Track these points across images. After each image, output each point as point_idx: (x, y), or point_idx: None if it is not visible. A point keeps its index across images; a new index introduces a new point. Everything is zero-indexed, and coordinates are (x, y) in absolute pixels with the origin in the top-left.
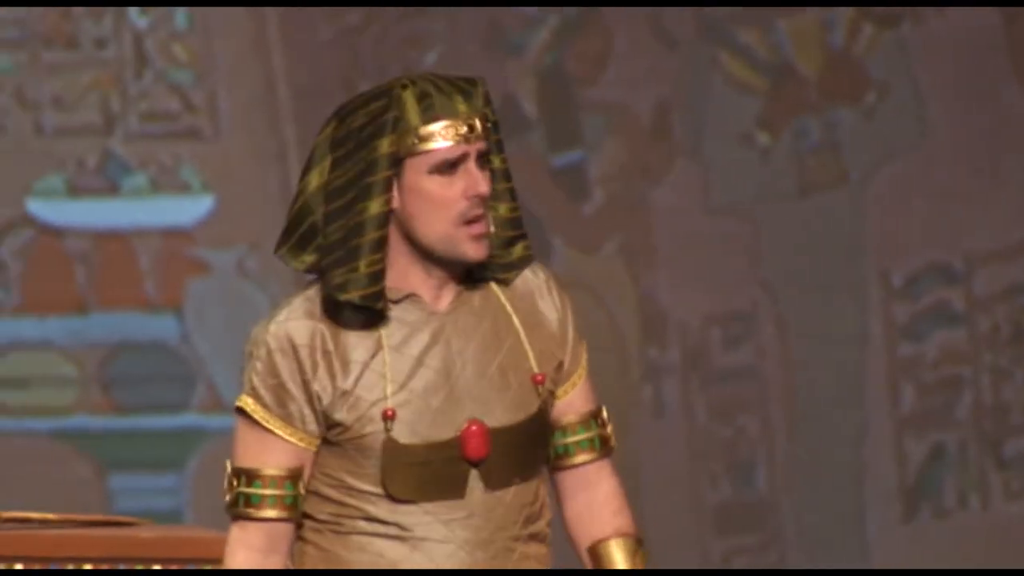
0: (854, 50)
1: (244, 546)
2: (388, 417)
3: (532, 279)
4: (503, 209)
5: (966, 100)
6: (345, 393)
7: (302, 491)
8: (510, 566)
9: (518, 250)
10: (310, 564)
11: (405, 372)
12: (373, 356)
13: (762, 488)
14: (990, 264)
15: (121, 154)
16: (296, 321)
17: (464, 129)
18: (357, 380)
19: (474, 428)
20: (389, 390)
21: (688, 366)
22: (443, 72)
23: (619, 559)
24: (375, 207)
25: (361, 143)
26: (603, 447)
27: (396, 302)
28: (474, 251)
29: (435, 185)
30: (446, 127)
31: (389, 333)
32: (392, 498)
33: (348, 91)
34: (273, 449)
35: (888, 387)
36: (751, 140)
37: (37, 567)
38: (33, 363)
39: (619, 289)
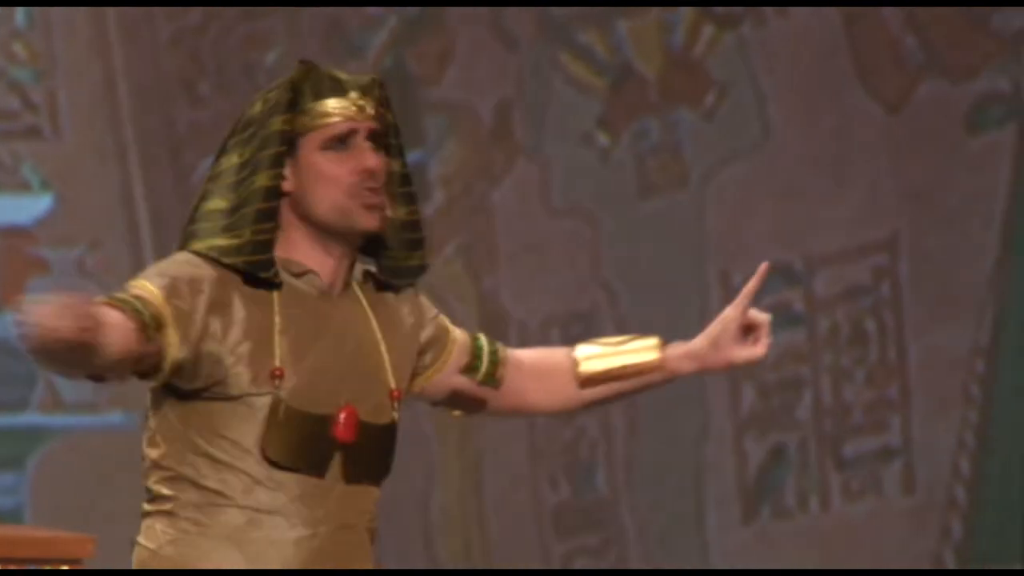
0: (694, 51)
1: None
2: (277, 376)
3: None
4: (402, 212)
5: (808, 101)
6: (234, 348)
7: (146, 321)
8: (354, 563)
9: (416, 258)
10: (174, 545)
11: (298, 342)
12: (265, 321)
13: (602, 488)
14: (831, 265)
15: None
16: (206, 264)
17: (353, 109)
18: (247, 339)
19: (348, 411)
20: (278, 353)
21: None
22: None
23: (597, 350)
24: (264, 179)
25: (259, 125)
26: (498, 345)
27: (297, 275)
28: (367, 220)
29: (326, 160)
30: (336, 105)
31: (285, 304)
32: (268, 461)
33: (188, 90)
34: (149, 303)
35: (729, 387)
36: (591, 140)
37: None
38: None
39: (460, 290)
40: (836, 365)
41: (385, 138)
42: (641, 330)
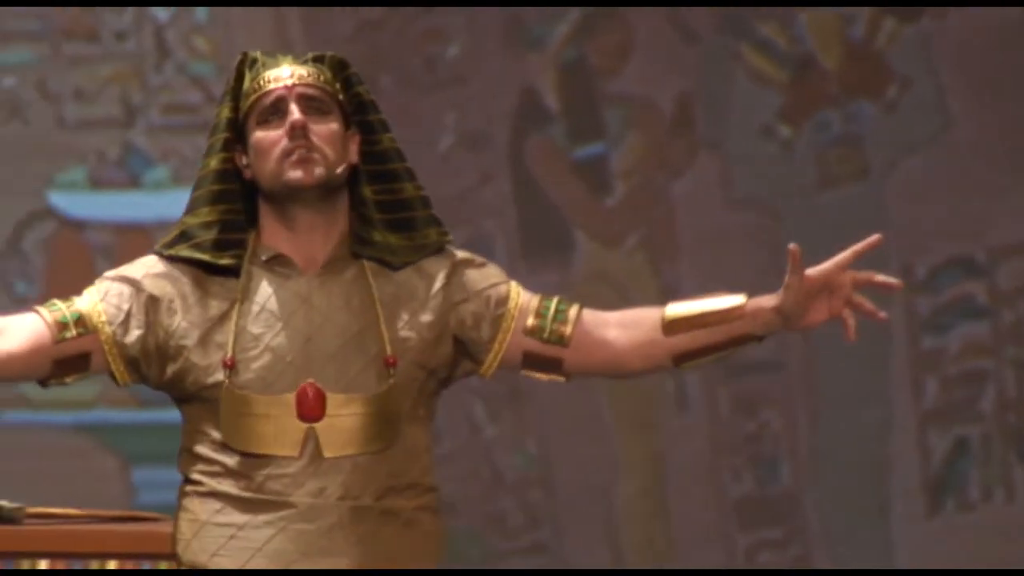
0: (875, 43)
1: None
2: (228, 366)
3: (435, 264)
4: (409, 188)
5: (988, 93)
6: (183, 343)
7: (72, 332)
8: (352, 539)
9: (433, 234)
10: (184, 530)
11: (260, 327)
12: (222, 312)
13: (785, 482)
14: (1014, 257)
15: (142, 147)
16: (163, 263)
17: (283, 76)
18: (200, 332)
19: (307, 388)
20: (232, 341)
21: None
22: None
23: (686, 302)
24: (213, 163)
25: (214, 120)
26: (563, 303)
27: (266, 261)
28: (294, 173)
29: (262, 132)
30: (266, 76)
31: (251, 289)
32: (237, 450)
33: (368, 86)
34: (84, 301)
35: (911, 381)
36: (772, 133)
37: (61, 563)
38: None
39: (641, 282)
40: (1019, 358)
41: (353, 114)
42: (827, 321)
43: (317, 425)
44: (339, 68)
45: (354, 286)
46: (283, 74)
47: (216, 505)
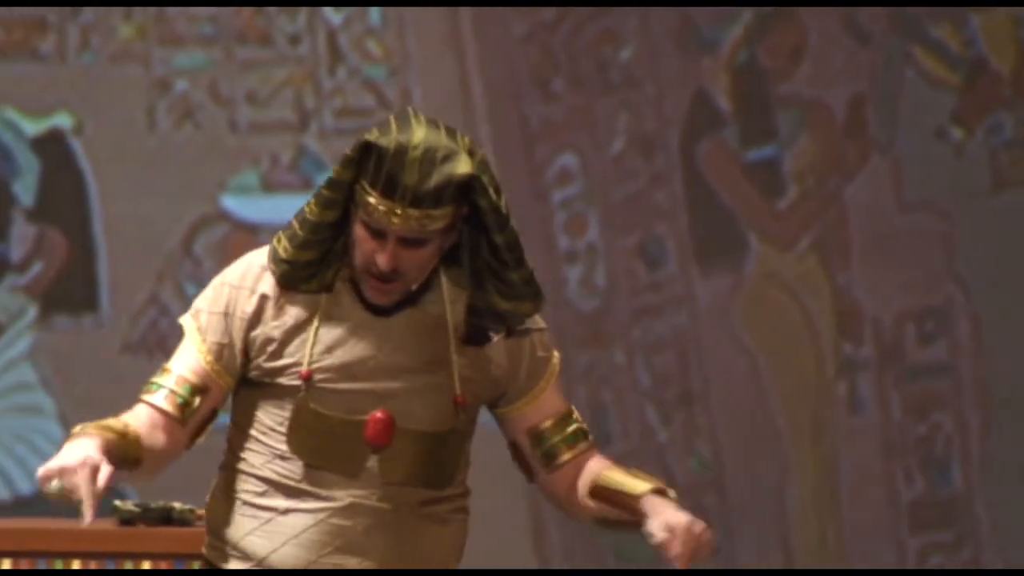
0: None
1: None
2: (304, 378)
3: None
4: (514, 276)
5: None
6: (273, 342)
7: (196, 404)
8: (390, 539)
9: (526, 307)
10: (221, 504)
11: (332, 345)
12: (308, 321)
13: (957, 485)
14: None
15: (315, 150)
16: (257, 270)
17: (386, 217)
18: (287, 336)
19: (379, 415)
20: (308, 355)
21: (883, 362)
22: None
23: (617, 475)
24: (316, 214)
25: (337, 165)
26: (585, 439)
27: (352, 282)
28: (374, 297)
29: (360, 230)
30: (375, 203)
31: (332, 307)
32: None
33: (541, 88)
34: (189, 360)
35: None
36: (945, 135)
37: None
38: None
39: (814, 285)
40: None
41: (416, 239)
42: (998, 324)
43: (382, 452)
44: (462, 189)
45: (434, 321)
46: (393, 212)
47: (260, 487)
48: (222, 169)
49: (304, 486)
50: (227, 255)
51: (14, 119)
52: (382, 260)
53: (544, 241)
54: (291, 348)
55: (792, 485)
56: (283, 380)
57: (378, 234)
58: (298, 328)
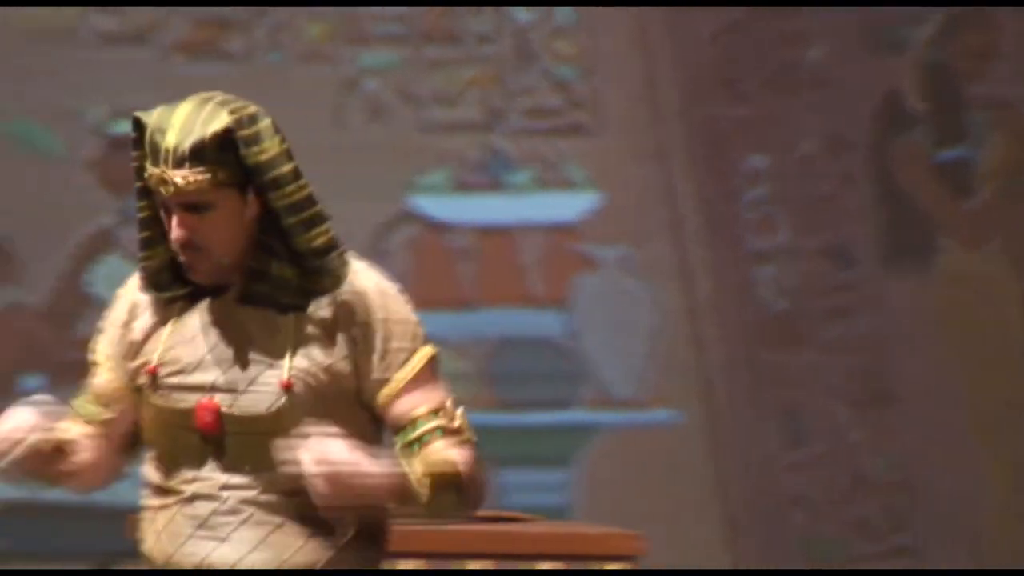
0: None
1: None
2: (150, 373)
3: (342, 307)
4: (301, 241)
5: None
6: (135, 344)
7: (106, 416)
8: (236, 525)
9: (337, 280)
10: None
11: (180, 341)
12: (162, 325)
13: None
14: None
15: (505, 150)
16: (134, 278)
17: (161, 184)
18: (145, 337)
19: (205, 402)
20: (156, 355)
21: None
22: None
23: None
24: (138, 208)
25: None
26: (449, 436)
27: (202, 287)
28: (193, 276)
29: (161, 212)
30: (150, 170)
31: (182, 309)
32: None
33: (730, 87)
34: (95, 375)
35: None
36: None
37: (431, 563)
38: None
39: (1003, 286)
40: None
41: (253, 175)
42: None
43: (214, 440)
44: (222, 144)
45: (262, 312)
46: (163, 179)
47: (145, 490)
48: (410, 169)
49: (167, 483)
50: (418, 255)
51: None
52: (173, 232)
53: (733, 242)
54: (147, 348)
55: (983, 486)
56: (140, 380)
57: (166, 208)
58: (155, 328)
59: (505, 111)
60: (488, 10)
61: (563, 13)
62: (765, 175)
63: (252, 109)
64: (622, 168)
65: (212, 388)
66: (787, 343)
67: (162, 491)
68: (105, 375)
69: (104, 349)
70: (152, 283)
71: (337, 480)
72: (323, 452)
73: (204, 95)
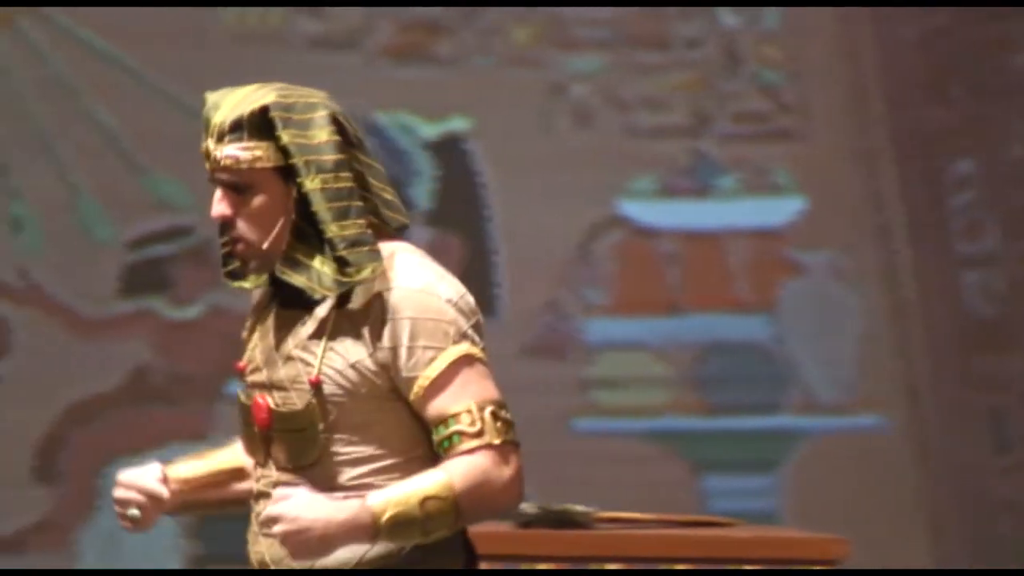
0: None
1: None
2: (239, 371)
3: (376, 303)
4: (334, 228)
5: None
6: (243, 346)
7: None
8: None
9: (366, 272)
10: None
11: (257, 341)
12: (256, 323)
13: None
14: None
15: (712, 154)
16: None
17: (207, 159)
18: (247, 339)
19: (258, 399)
20: (246, 354)
21: None
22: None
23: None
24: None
25: None
26: (467, 440)
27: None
28: (237, 260)
29: None
30: (202, 149)
31: (257, 309)
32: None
33: (934, 94)
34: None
35: None
36: None
37: (631, 566)
38: (625, 363)
39: None
40: None
41: (228, 181)
42: None
43: (266, 436)
44: (262, 123)
45: (304, 314)
46: (208, 153)
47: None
48: (618, 173)
49: (257, 483)
50: (624, 260)
51: (410, 122)
52: (212, 208)
53: (940, 247)
54: (247, 347)
55: None
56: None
57: (214, 187)
58: (252, 327)
59: (712, 116)
60: (696, 15)
61: (770, 18)
62: (972, 180)
63: (312, 99)
64: (829, 173)
65: (267, 386)
66: (994, 348)
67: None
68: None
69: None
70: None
71: (293, 538)
72: (280, 511)
73: (277, 82)
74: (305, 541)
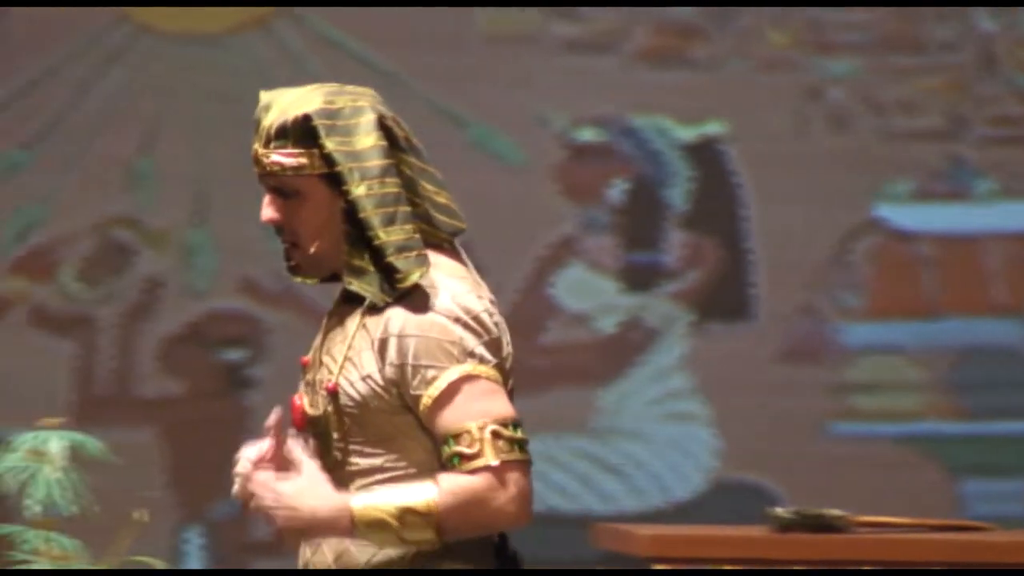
0: None
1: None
2: (302, 366)
3: (394, 317)
4: (381, 235)
5: None
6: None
7: None
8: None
9: (414, 277)
10: None
11: (315, 341)
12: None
13: None
14: None
15: (968, 158)
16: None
17: (256, 162)
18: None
19: (295, 400)
20: (310, 352)
21: None
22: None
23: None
24: None
25: None
26: (466, 462)
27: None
28: (290, 264)
29: None
30: (252, 152)
31: (333, 307)
32: None
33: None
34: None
35: None
36: None
37: (885, 569)
38: (882, 367)
39: None
40: None
41: (276, 184)
42: None
43: (303, 435)
44: (305, 130)
45: (350, 318)
46: (256, 157)
47: None
48: (874, 176)
49: None
50: (880, 264)
51: (667, 126)
52: (262, 212)
53: None
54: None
55: None
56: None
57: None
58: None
59: (969, 119)
60: (952, 18)
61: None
62: None
63: (361, 102)
64: None
65: (308, 385)
66: None
67: None
68: None
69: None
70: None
71: (271, 515)
72: (261, 487)
73: (329, 84)
74: (289, 523)
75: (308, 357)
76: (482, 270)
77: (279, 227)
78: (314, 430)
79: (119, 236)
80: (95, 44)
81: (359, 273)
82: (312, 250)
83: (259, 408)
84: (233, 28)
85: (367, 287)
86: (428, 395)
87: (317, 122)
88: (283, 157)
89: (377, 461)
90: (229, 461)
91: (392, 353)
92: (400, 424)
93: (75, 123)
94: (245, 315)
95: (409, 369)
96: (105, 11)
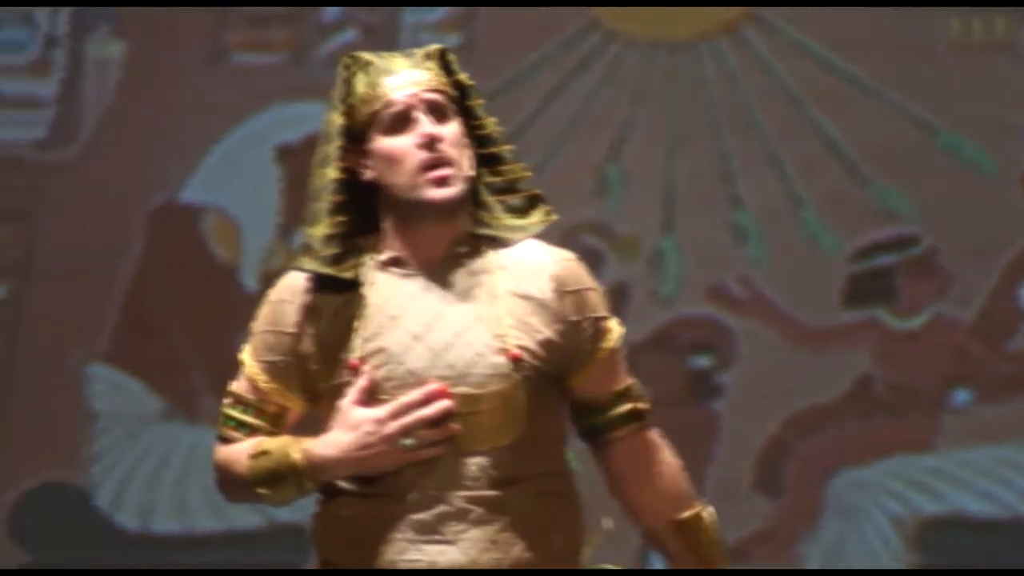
0: None
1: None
2: (353, 368)
3: (546, 260)
4: (517, 170)
5: None
6: (323, 346)
7: (256, 423)
8: (463, 527)
9: (537, 215)
10: (319, 528)
11: (378, 330)
12: (349, 319)
13: None
14: None
15: None
16: (293, 278)
17: (404, 86)
18: (332, 342)
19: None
20: (358, 344)
21: None
22: None
23: (673, 542)
24: (331, 173)
25: (326, 126)
26: (636, 420)
27: (384, 262)
28: (436, 194)
29: (389, 144)
30: (388, 86)
31: (371, 296)
32: None
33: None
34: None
35: None
36: None
37: None
38: None
39: None
40: None
41: (458, 103)
42: None
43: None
44: (442, 60)
45: (475, 279)
46: (404, 80)
47: (340, 500)
48: None
49: (374, 490)
50: None
51: None
52: (423, 133)
53: None
54: (339, 346)
55: None
56: (339, 379)
57: (404, 118)
58: (343, 330)
59: None
60: None
61: None
62: None
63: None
64: None
65: (425, 369)
66: None
67: (370, 500)
68: (261, 377)
69: (266, 355)
70: (338, 259)
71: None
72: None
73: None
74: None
75: (382, 343)
76: (950, 276)
77: (436, 141)
78: (484, 408)
79: (589, 242)
80: (566, 49)
81: (487, 210)
82: (467, 170)
83: (725, 416)
84: (702, 34)
85: (506, 227)
86: (603, 349)
87: (451, 56)
88: (438, 80)
89: (551, 431)
90: (694, 469)
91: (569, 308)
92: (552, 390)
93: (544, 128)
94: (712, 321)
95: (587, 323)
96: (577, 18)
